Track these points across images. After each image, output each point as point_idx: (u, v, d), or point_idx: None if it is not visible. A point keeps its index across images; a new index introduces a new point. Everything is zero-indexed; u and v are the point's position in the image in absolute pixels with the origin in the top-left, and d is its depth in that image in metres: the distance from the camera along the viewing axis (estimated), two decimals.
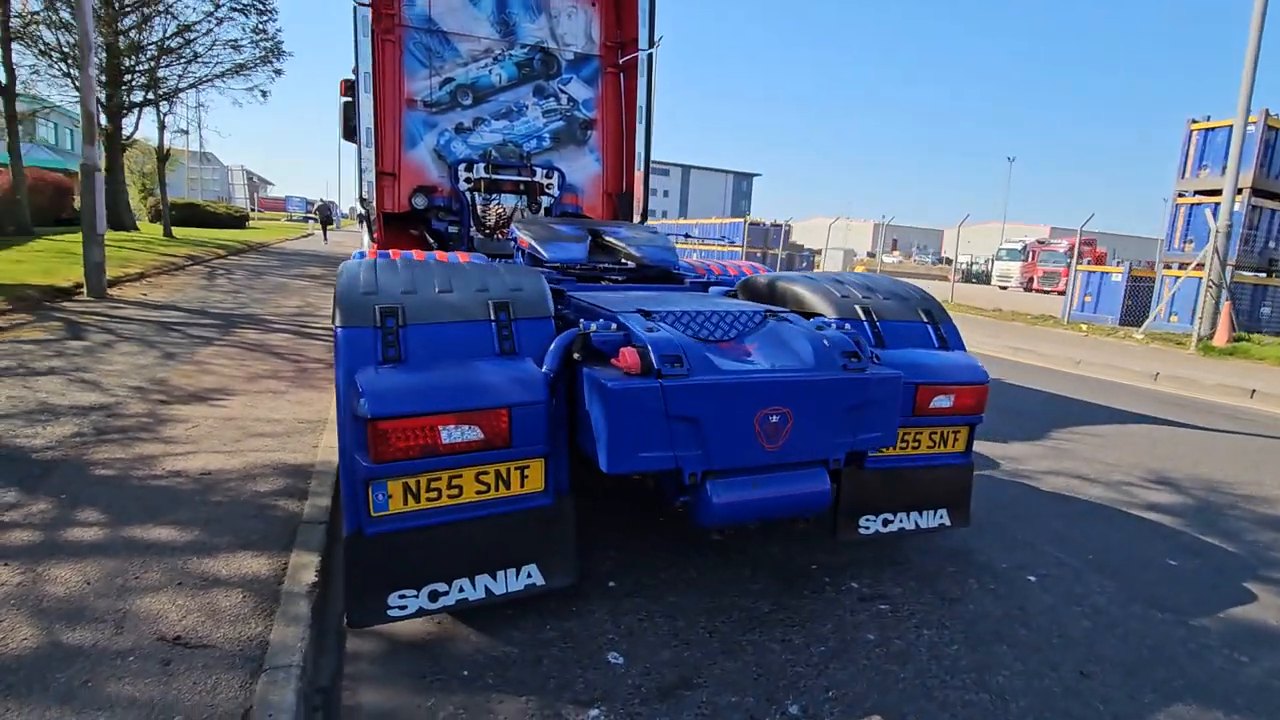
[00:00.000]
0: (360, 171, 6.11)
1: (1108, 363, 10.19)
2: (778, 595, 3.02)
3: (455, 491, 2.42)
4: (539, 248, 4.21)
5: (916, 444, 3.19)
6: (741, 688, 2.40)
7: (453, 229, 6.61)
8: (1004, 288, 36.18)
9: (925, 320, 3.43)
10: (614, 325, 2.66)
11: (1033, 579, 3.31)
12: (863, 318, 3.31)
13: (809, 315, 3.41)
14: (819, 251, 40.24)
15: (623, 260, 4.44)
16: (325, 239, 33.68)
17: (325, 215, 37.22)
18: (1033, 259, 36.65)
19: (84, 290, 8.89)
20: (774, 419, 2.51)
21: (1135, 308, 15.20)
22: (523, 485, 2.51)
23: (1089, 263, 21.34)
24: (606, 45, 6.99)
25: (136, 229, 23.64)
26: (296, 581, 2.73)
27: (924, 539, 3.64)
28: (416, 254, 4.32)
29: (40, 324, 7.23)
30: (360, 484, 2.29)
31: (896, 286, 3.64)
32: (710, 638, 2.68)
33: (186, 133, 34.33)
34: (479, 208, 6.52)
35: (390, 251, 4.38)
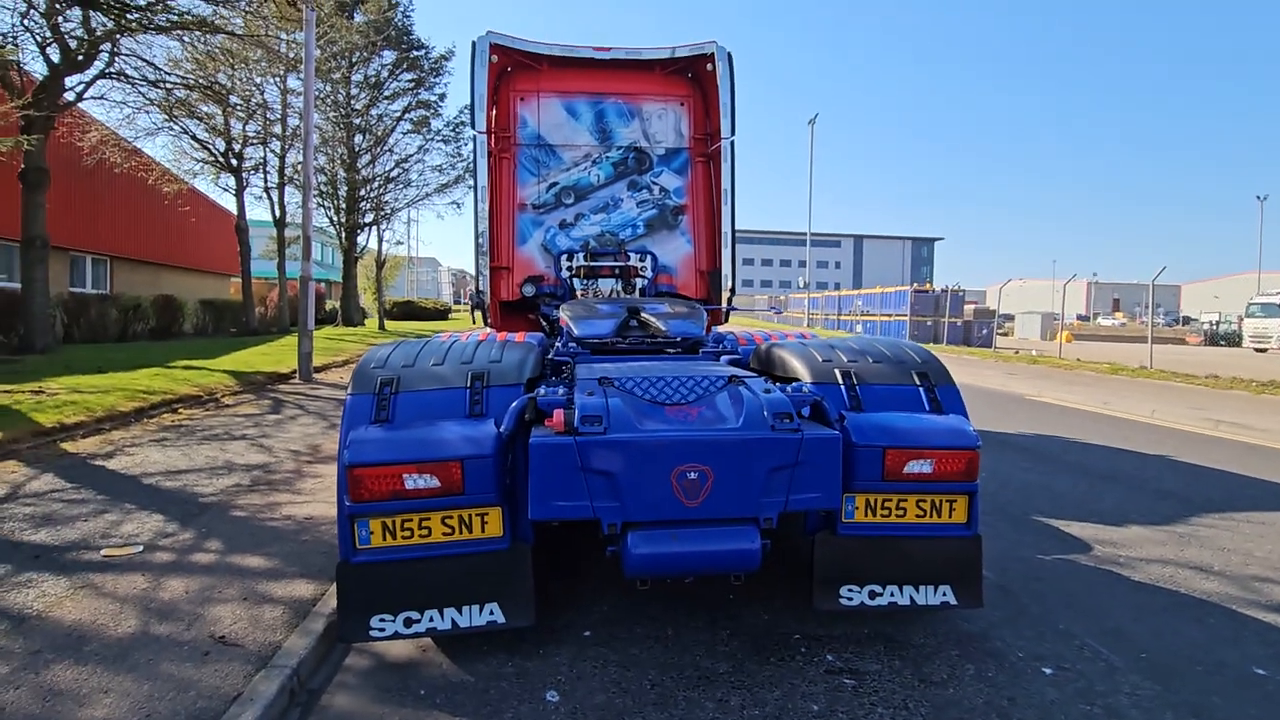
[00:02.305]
0: (476, 268, 7.18)
1: None
2: (742, 659, 3.04)
3: (425, 532, 2.87)
4: (572, 325, 4.70)
5: (902, 512, 3.08)
6: None
7: (557, 312, 7.44)
8: (1261, 349, 30.05)
9: (917, 384, 3.35)
10: (561, 390, 3.03)
11: (1048, 671, 2.95)
12: (840, 382, 3.33)
13: (790, 380, 3.50)
14: (1012, 317, 36.81)
15: (654, 334, 4.79)
16: (474, 321, 39.12)
17: (475, 303, 45.67)
18: None
19: (297, 375, 11.11)
20: (692, 476, 2.68)
21: None
22: (483, 530, 2.90)
23: None
24: (695, 138, 7.63)
25: (363, 324, 28.64)
26: (326, 604, 3.33)
27: (940, 620, 3.39)
28: (499, 335, 4.99)
29: (256, 401, 9.21)
30: (346, 520, 2.84)
31: (895, 351, 3.59)
32: (650, 689, 2.80)
33: (401, 243, 41.62)
34: (578, 292, 7.28)
35: (479, 334, 5.13)
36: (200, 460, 6.02)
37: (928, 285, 29.12)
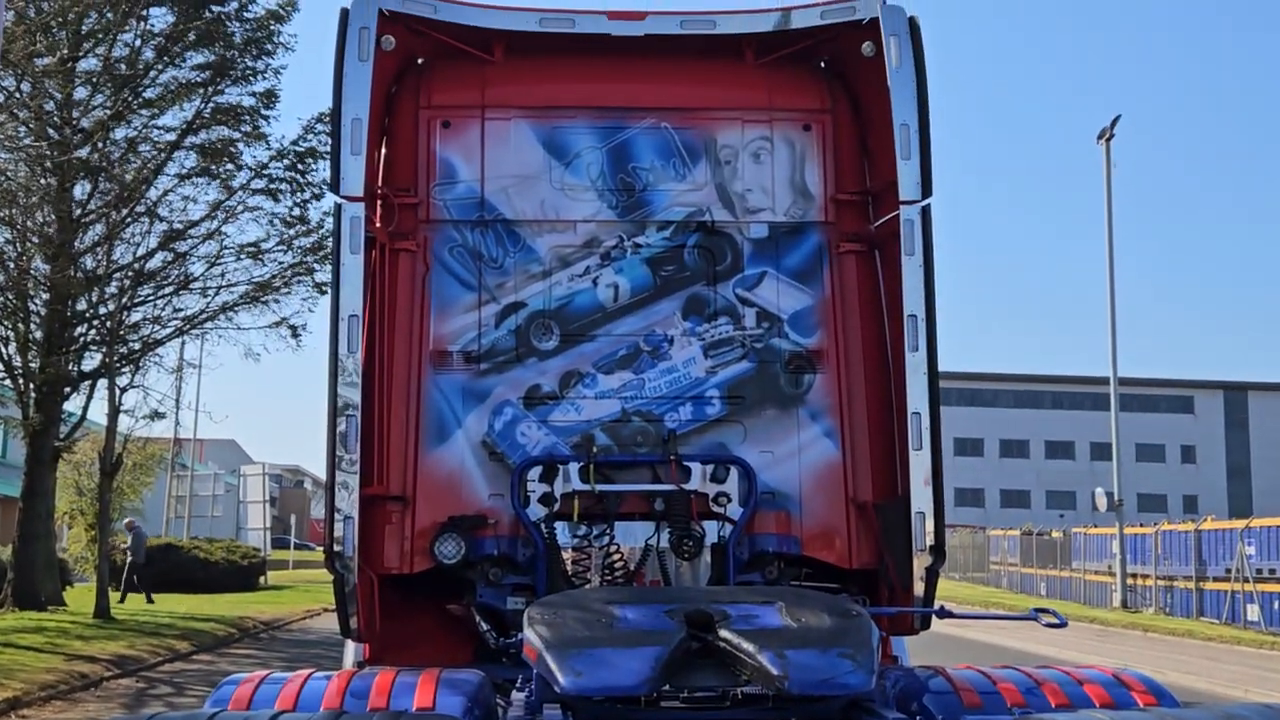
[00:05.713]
0: (330, 496, 3.13)
1: None
2: None
3: None
4: (553, 663, 2.13)
5: None
6: None
7: (518, 601, 3.52)
8: None
9: None
10: None
11: None
12: None
13: None
14: None
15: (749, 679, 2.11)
16: (144, 598, 17.11)
17: (136, 543, 18.34)
18: None
19: None
20: None
21: None
22: None
23: None
24: (838, 200, 3.94)
25: (62, 601, 14.12)
26: None
27: None
28: (381, 678, 2.27)
29: None
30: None
31: None
32: None
33: (164, 414, 16.99)
34: (567, 554, 3.69)
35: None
36: None
37: None
